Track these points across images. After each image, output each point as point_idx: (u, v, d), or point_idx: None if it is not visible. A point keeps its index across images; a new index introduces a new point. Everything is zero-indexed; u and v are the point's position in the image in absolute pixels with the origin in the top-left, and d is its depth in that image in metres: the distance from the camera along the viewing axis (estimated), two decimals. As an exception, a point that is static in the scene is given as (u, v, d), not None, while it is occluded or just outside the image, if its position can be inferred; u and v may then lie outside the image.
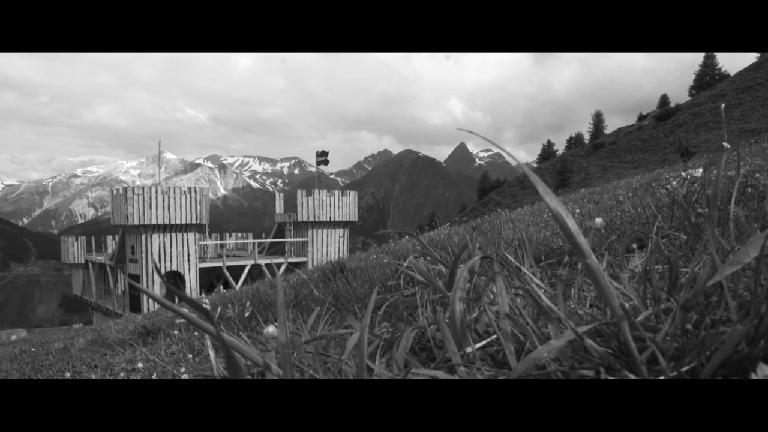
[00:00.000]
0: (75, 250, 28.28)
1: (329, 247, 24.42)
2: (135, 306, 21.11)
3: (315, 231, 24.06)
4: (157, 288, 20.36)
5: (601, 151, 50.13)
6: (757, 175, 1.98)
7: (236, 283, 20.84)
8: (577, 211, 2.97)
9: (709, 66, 56.51)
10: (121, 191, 20.02)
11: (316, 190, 23.89)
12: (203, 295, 5.06)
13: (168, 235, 20.78)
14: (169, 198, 20.41)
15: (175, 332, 2.77)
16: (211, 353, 1.02)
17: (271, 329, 0.94)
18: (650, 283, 0.66)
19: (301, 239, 24.17)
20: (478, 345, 0.69)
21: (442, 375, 0.59)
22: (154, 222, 20.02)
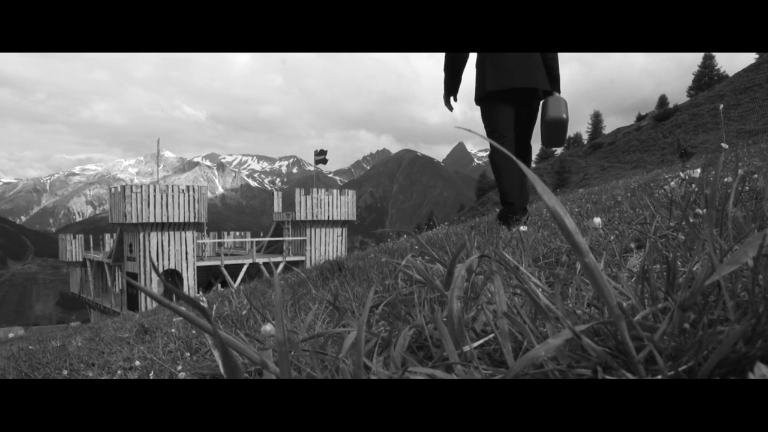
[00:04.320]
0: (73, 248, 28.25)
1: (327, 246, 24.43)
2: (133, 304, 21.10)
3: (313, 230, 24.06)
4: (155, 286, 20.34)
5: (599, 152, 50.20)
6: (755, 175, 1.99)
7: (234, 281, 20.84)
8: (576, 210, 2.97)
9: (707, 67, 56.62)
10: (119, 189, 19.99)
11: (315, 189, 23.89)
12: (201, 293, 5.06)
13: (166, 233, 20.76)
14: (167, 196, 20.39)
15: (173, 330, 2.76)
16: (215, 352, 1.02)
17: (268, 327, 0.94)
18: (648, 283, 0.66)
19: (299, 238, 24.18)
20: (476, 344, 0.69)
21: (439, 373, 0.59)
22: (152, 220, 20.00)
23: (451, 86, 3.36)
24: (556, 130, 3.11)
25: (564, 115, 3.12)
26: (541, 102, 3.28)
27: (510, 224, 3.09)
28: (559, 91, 3.25)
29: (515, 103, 3.22)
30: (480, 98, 3.31)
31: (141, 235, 20.14)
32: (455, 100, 3.43)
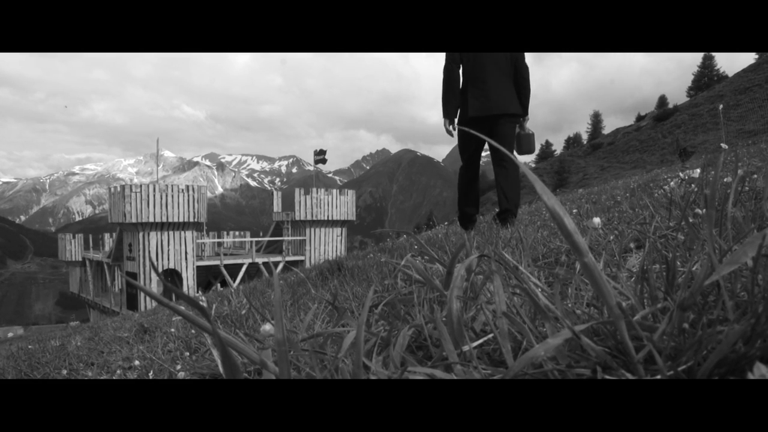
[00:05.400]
0: (72, 248, 28.23)
1: (327, 246, 24.42)
2: (132, 304, 21.08)
3: (312, 230, 24.05)
4: (155, 286, 20.33)
5: (599, 152, 50.22)
6: (755, 175, 1.99)
7: (233, 281, 20.83)
8: (575, 210, 2.98)
9: (707, 67, 56.62)
10: (118, 189, 19.97)
11: (314, 189, 23.87)
12: (200, 293, 5.05)
13: (165, 233, 20.75)
14: (166, 196, 20.37)
15: (172, 330, 2.76)
16: (214, 352, 1.02)
17: (267, 327, 0.94)
18: (647, 283, 0.66)
19: (298, 238, 24.16)
20: (475, 343, 0.69)
21: (438, 373, 0.59)
22: (151, 220, 19.99)
23: (450, 111, 3.91)
24: (526, 151, 4.06)
25: (533, 148, 4.07)
26: (515, 136, 4.06)
27: (466, 226, 4.02)
28: (527, 114, 3.96)
29: (492, 125, 3.84)
30: (461, 122, 3.93)
31: (140, 234, 20.13)
32: (455, 128, 3.96)
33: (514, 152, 4.01)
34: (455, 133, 3.94)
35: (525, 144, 4.02)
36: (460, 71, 3.88)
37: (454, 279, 0.70)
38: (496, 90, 3.75)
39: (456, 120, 3.97)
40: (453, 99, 3.88)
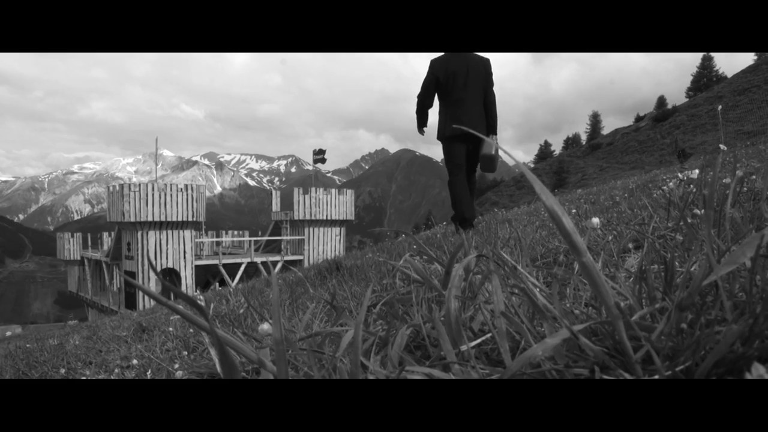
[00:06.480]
0: (71, 247, 28.19)
1: (325, 246, 24.41)
2: (130, 303, 21.05)
3: (311, 229, 24.04)
4: (153, 285, 20.30)
5: (598, 152, 50.27)
6: (753, 176, 1.99)
7: (232, 280, 20.81)
8: (574, 211, 2.98)
9: (706, 68, 56.70)
10: (117, 188, 19.94)
11: (313, 189, 23.85)
12: (199, 292, 5.05)
13: (164, 232, 20.72)
14: (165, 195, 20.35)
15: (171, 329, 2.76)
16: (212, 351, 1.02)
17: (265, 326, 0.94)
18: (646, 283, 0.66)
19: (297, 237, 24.15)
20: (473, 343, 0.69)
21: (437, 373, 0.59)
22: (150, 219, 19.96)
23: (421, 122, 4.79)
24: (487, 161, 4.56)
25: (492, 152, 4.56)
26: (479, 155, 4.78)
27: (465, 229, 4.38)
28: (495, 133, 4.63)
29: (464, 142, 4.54)
30: (441, 138, 4.66)
31: (139, 233, 20.11)
32: (425, 126, 4.83)
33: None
34: (425, 130, 4.80)
35: (485, 148, 4.58)
36: (436, 96, 4.61)
37: (452, 279, 0.70)
38: (467, 115, 4.48)
39: (430, 130, 4.85)
40: (423, 116, 4.73)
